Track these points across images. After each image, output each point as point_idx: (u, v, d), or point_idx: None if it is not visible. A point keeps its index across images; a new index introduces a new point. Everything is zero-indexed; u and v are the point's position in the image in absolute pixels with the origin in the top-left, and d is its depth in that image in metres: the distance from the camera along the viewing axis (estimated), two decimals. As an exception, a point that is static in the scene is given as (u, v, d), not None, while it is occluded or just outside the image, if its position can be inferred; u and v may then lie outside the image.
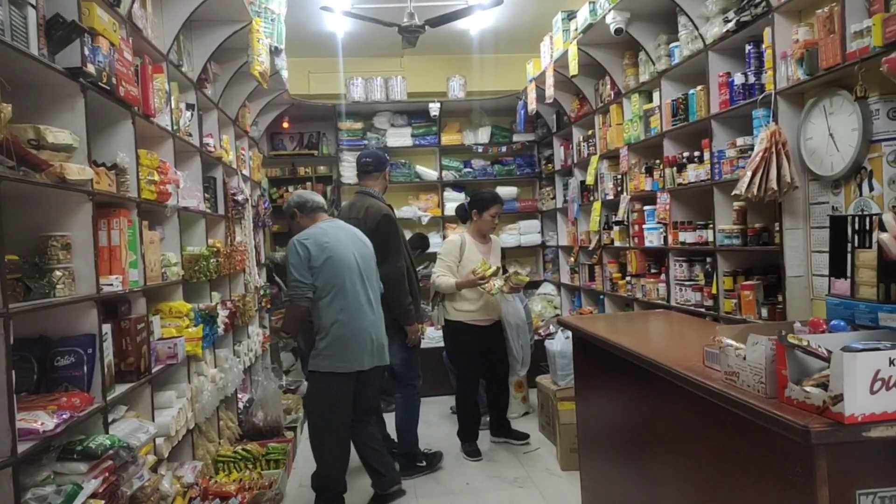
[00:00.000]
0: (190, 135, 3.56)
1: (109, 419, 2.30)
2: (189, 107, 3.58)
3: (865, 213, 2.47)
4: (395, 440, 4.02)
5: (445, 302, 4.19)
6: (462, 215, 4.42)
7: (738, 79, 3.42)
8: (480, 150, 6.91)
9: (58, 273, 2.07)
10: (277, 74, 4.90)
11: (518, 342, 4.16)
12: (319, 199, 3.44)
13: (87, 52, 2.17)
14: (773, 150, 2.97)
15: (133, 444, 2.25)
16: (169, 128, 3.17)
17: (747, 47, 3.36)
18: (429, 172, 6.83)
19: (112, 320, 2.47)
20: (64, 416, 1.89)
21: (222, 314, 3.84)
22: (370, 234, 3.66)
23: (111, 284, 2.34)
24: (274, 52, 4.36)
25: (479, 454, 4.16)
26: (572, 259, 6.03)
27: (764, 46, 3.19)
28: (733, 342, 1.58)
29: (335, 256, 3.17)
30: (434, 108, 6.52)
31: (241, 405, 4.40)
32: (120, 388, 2.40)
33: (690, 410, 1.85)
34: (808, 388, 1.32)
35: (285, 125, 6.64)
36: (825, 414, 1.27)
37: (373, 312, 3.29)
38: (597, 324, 2.66)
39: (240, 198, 4.65)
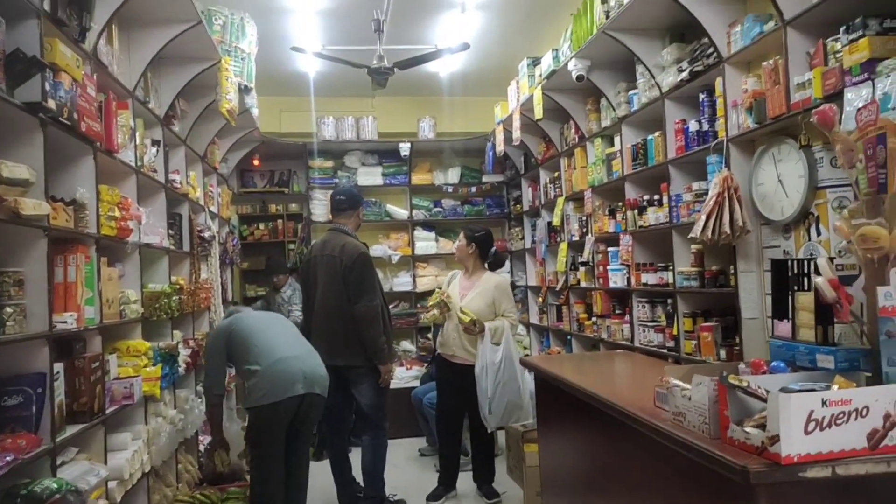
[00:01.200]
0: (155, 171, 3.56)
1: (58, 462, 2.24)
2: (155, 143, 3.58)
3: (813, 257, 2.56)
4: (361, 483, 3.95)
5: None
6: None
7: (693, 126, 3.55)
8: (450, 190, 6.99)
9: (8, 310, 2.03)
10: (247, 112, 4.94)
11: (481, 388, 3.78)
12: None
13: (47, 87, 2.17)
14: (726, 194, 3.08)
15: (82, 488, 2.18)
16: (133, 163, 3.17)
17: (701, 96, 3.50)
18: (399, 211, 6.88)
19: (65, 359, 2.42)
20: (7, 459, 1.83)
21: (184, 353, 3.78)
22: (346, 271, 3.67)
23: (65, 322, 2.30)
24: (244, 90, 4.40)
25: (436, 498, 4.07)
26: (540, 299, 6.08)
27: (716, 95, 3.33)
28: (680, 383, 1.61)
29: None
30: (405, 149, 6.61)
31: (202, 447, 4.29)
32: (71, 430, 2.33)
33: (643, 451, 1.86)
34: (748, 429, 1.36)
35: (256, 163, 6.65)
36: (764, 454, 1.30)
37: None
38: (557, 364, 2.69)
39: (206, 234, 4.63)
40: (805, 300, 1.62)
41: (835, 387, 1.37)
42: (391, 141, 6.64)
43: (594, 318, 4.82)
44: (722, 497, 1.46)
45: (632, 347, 4.17)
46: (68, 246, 2.44)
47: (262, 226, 8.49)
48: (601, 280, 4.71)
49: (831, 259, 1.61)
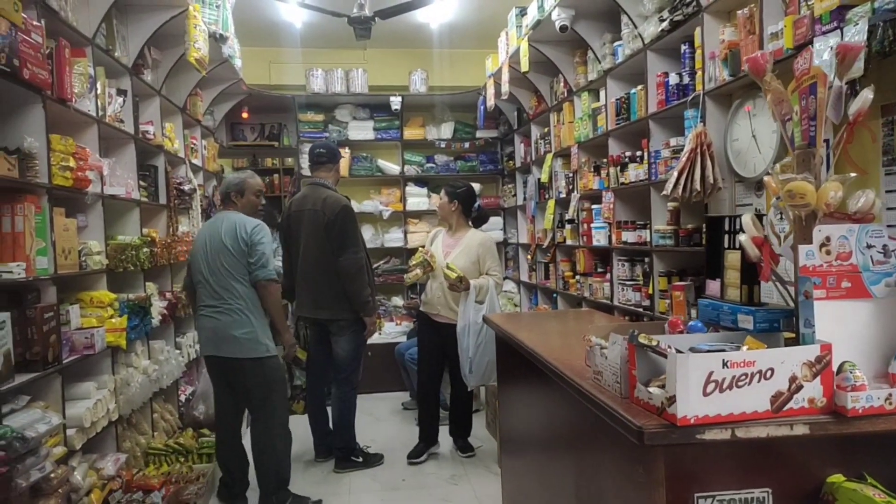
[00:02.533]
0: (122, 121, 3.51)
1: (6, 409, 2.26)
2: (121, 93, 3.52)
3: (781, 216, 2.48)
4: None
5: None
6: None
7: (674, 79, 3.42)
8: (443, 146, 6.87)
9: (-56, 259, 2.03)
10: (227, 62, 4.84)
11: (462, 347, 3.76)
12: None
13: (-20, 32, 2.12)
14: (699, 150, 2.98)
15: (29, 435, 2.21)
16: (93, 113, 3.11)
17: (683, 47, 3.36)
18: (391, 167, 6.80)
19: (16, 308, 2.43)
20: (-61, 406, 1.84)
21: (159, 305, 3.80)
22: (328, 225, 3.67)
23: (10, 272, 2.30)
24: (219, 39, 4.30)
25: (417, 455, 4.03)
26: (529, 257, 6.03)
27: (696, 46, 3.19)
28: (601, 341, 1.57)
29: (192, 251, 3.38)
30: (396, 102, 6.47)
31: (183, 398, 4.36)
32: (21, 378, 2.35)
33: (573, 409, 1.84)
34: (651, 389, 1.32)
35: (245, 115, 6.56)
36: (663, 415, 1.27)
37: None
38: (514, 323, 2.65)
39: (186, 187, 4.60)
40: (733, 258, 1.56)
41: (744, 347, 1.33)
42: (382, 94, 6.51)
43: (578, 277, 4.78)
44: (629, 457, 1.43)
45: (610, 306, 4.14)
46: (15, 196, 2.42)
47: (257, 180, 8.47)
48: (585, 238, 4.65)
49: (760, 217, 1.54)
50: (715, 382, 1.22)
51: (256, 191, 3.43)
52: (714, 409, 1.23)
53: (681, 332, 1.53)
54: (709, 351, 1.31)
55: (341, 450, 3.85)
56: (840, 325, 1.35)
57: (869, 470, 1.29)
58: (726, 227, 1.61)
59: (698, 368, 1.22)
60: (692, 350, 1.32)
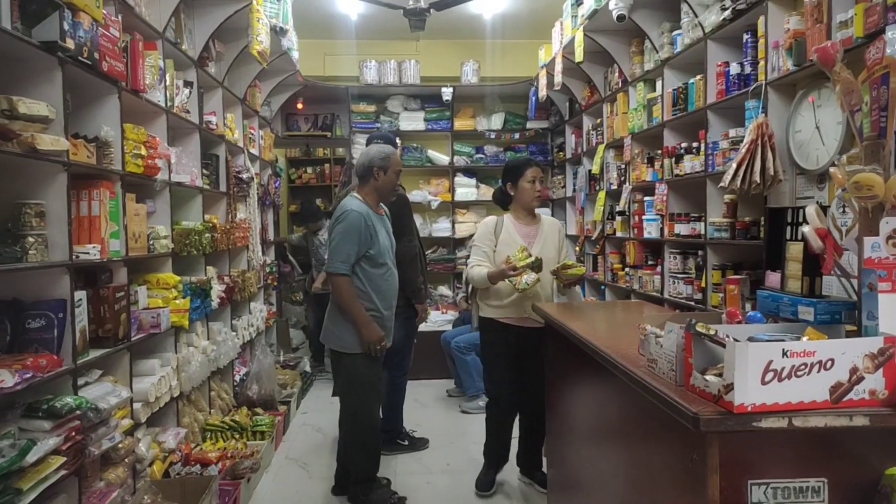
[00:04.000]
0: (188, 112, 3.65)
1: (81, 382, 2.40)
2: (188, 84, 3.66)
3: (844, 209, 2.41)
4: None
5: (478, 296, 3.40)
6: (501, 199, 3.50)
7: (735, 69, 3.35)
8: (493, 137, 6.88)
9: (30, 239, 2.17)
10: (286, 55, 4.97)
11: None
12: None
13: (66, 26, 2.25)
14: (759, 142, 2.92)
15: (102, 407, 2.35)
16: (162, 104, 3.25)
17: (745, 36, 3.29)
18: (440, 157, 6.84)
19: (91, 287, 2.58)
20: (26, 376, 1.98)
21: (218, 288, 3.95)
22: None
23: (87, 253, 2.44)
24: (279, 32, 4.42)
25: (487, 487, 3.40)
26: (577, 248, 6.00)
27: (759, 35, 3.12)
28: (656, 330, 1.58)
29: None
30: (447, 93, 6.51)
31: (237, 378, 4.52)
32: (94, 353, 2.50)
33: (625, 397, 1.85)
34: (707, 377, 1.32)
35: (300, 106, 6.71)
36: (719, 403, 1.27)
37: None
38: (565, 312, 2.66)
39: (244, 176, 4.75)
40: (795, 250, 1.54)
41: (805, 338, 1.32)
42: (434, 85, 6.55)
43: (627, 269, 4.74)
44: (683, 444, 1.44)
45: (661, 299, 4.09)
46: (92, 182, 2.56)
47: (309, 169, 8.69)
48: (636, 230, 4.60)
49: (824, 208, 1.52)
50: (774, 371, 1.22)
51: (399, 169, 3.24)
52: (772, 397, 1.23)
53: (739, 323, 1.53)
54: (768, 340, 1.30)
55: (388, 432, 3.94)
56: (905, 318, 1.32)
57: (931, 465, 1.27)
58: (788, 219, 1.59)
59: (757, 357, 1.22)
60: (751, 339, 1.32)
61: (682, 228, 3.90)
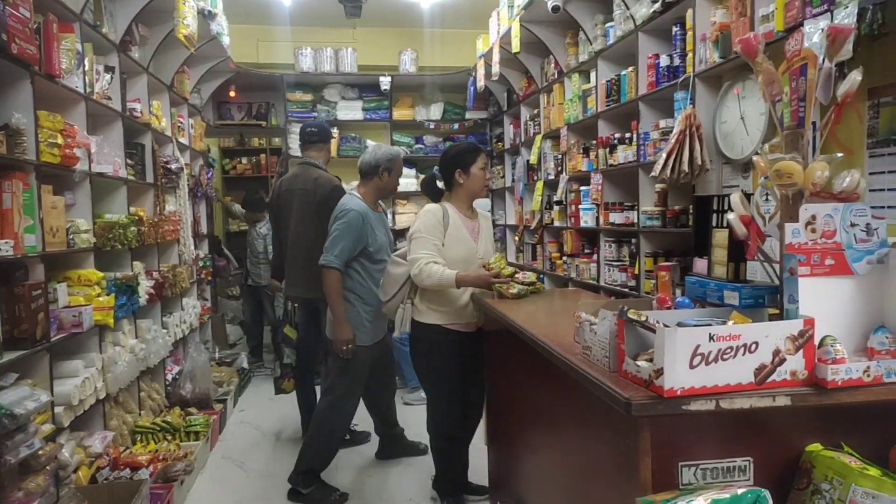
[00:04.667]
0: (109, 98, 3.47)
1: (-5, 386, 2.26)
2: (109, 69, 3.48)
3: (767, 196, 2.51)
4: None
5: (416, 297, 2.92)
6: (434, 189, 3.12)
7: (664, 61, 3.43)
8: (432, 127, 6.86)
9: (-68, 235, 2.01)
10: (216, 40, 4.79)
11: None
12: None
13: (-33, 5, 2.08)
14: (688, 132, 3.00)
15: (18, 412, 2.21)
16: (81, 90, 3.08)
17: (674, 29, 3.37)
18: (380, 147, 6.76)
19: (4, 286, 2.42)
20: (-71, 381, 1.84)
21: (146, 284, 3.79)
22: (320, 205, 3.66)
23: (-1, 249, 2.28)
24: (207, 15, 4.25)
25: None
26: (517, 238, 6.06)
27: (687, 28, 3.20)
28: (590, 317, 1.60)
29: None
30: (385, 82, 6.44)
31: (170, 377, 4.36)
32: (9, 356, 2.35)
33: (562, 385, 1.88)
34: (639, 363, 1.35)
35: (232, 94, 6.50)
36: (650, 387, 1.30)
37: None
38: (504, 302, 2.66)
39: (173, 166, 4.56)
40: (720, 236, 1.59)
41: (730, 322, 1.36)
42: (371, 74, 6.47)
43: (565, 258, 4.82)
44: (616, 429, 1.47)
45: (597, 287, 4.18)
46: (3, 173, 2.39)
47: (244, 160, 8.43)
48: (573, 219, 4.68)
49: (748, 196, 1.57)
50: (701, 356, 1.25)
51: (401, 172, 3.42)
52: (700, 381, 1.26)
53: (668, 308, 1.56)
54: (696, 325, 1.33)
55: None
56: (823, 300, 1.38)
57: (846, 440, 1.33)
58: (714, 207, 1.64)
59: (685, 342, 1.25)
60: (679, 325, 1.35)
61: (616, 217, 3.99)
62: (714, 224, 1.64)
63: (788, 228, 1.40)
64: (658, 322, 1.39)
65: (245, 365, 5.39)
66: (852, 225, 1.40)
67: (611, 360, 1.46)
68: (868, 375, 1.28)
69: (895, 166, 2.19)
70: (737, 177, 3.01)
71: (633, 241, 3.82)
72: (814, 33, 2.28)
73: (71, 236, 2.93)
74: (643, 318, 1.39)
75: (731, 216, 1.50)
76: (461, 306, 2.89)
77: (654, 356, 1.30)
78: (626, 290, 3.83)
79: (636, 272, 3.73)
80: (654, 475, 1.30)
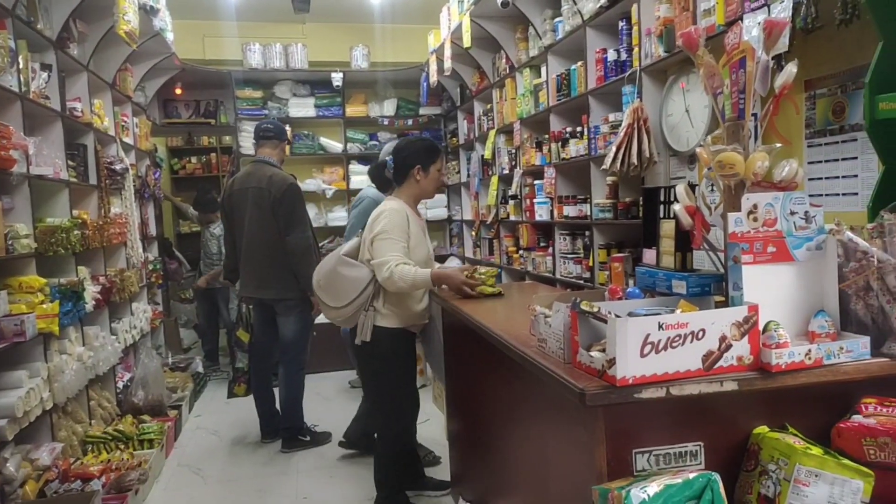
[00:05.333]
0: (47, 98, 3.34)
1: (-69, 401, 2.15)
2: (45, 67, 3.34)
3: (712, 187, 2.58)
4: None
5: (379, 301, 2.73)
6: (382, 178, 2.99)
7: (612, 55, 3.49)
8: (386, 123, 6.81)
9: None
10: (159, 36, 4.66)
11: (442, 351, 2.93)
12: None
13: None
14: (636, 126, 3.06)
15: (-43, 427, 2.12)
16: (16, 89, 2.95)
17: (620, 24, 3.43)
18: (333, 144, 6.70)
19: (-63, 296, 2.30)
20: None
21: (92, 290, 3.66)
22: (275, 203, 3.61)
23: (-71, 257, 2.17)
24: (149, 11, 4.12)
25: None
26: (473, 233, 6.08)
27: (633, 23, 3.26)
28: (545, 310, 1.62)
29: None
30: (337, 79, 6.37)
31: (121, 384, 4.23)
32: (-55, 368, 2.24)
33: (519, 378, 1.90)
34: (592, 353, 1.37)
35: (178, 91, 6.33)
36: (603, 377, 1.32)
37: None
38: (464, 300, 2.66)
39: (118, 167, 4.42)
40: (667, 227, 1.62)
41: (678, 311, 1.39)
42: (323, 70, 6.38)
43: (521, 251, 4.86)
44: (571, 419, 1.49)
45: (553, 279, 4.23)
46: (-69, 176, 2.28)
47: (193, 159, 8.24)
48: (528, 213, 4.72)
49: (693, 187, 1.61)
50: (651, 344, 1.28)
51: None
52: (650, 369, 1.29)
53: (620, 299, 1.59)
54: (645, 315, 1.36)
55: (288, 430, 3.84)
56: (765, 287, 1.43)
57: (790, 421, 1.38)
58: (661, 198, 1.68)
59: (636, 331, 1.27)
60: (630, 315, 1.38)
61: (570, 210, 4.04)
62: (661, 215, 1.67)
63: (731, 218, 1.44)
64: (609, 313, 1.42)
65: (200, 369, 5.27)
66: (792, 213, 1.45)
67: (565, 351, 1.48)
68: (809, 358, 1.33)
69: (831, 155, 2.28)
70: (683, 168, 3.08)
71: (587, 233, 3.88)
72: (752, 27, 2.35)
73: (10, 242, 2.81)
74: (595, 310, 1.42)
75: (676, 207, 1.54)
76: (423, 307, 2.84)
77: (606, 346, 1.32)
78: (582, 281, 3.88)
79: (590, 264, 3.79)
80: (609, 463, 1.33)
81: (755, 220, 1.44)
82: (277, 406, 3.97)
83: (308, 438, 3.87)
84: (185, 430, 4.28)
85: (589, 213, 3.79)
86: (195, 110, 6.64)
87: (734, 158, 1.46)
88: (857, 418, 1.31)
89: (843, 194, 2.28)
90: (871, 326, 1.42)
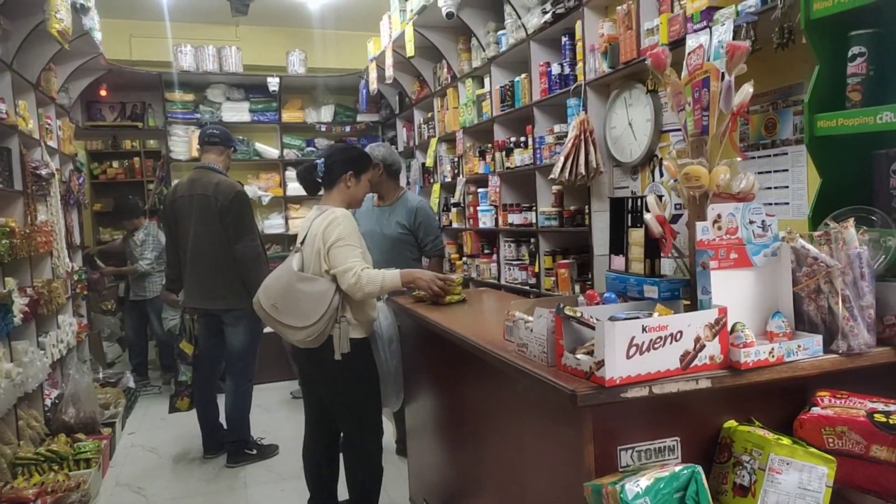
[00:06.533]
0: (-30, 98, 3.12)
1: None
2: (-32, 67, 3.13)
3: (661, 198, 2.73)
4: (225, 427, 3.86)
5: (349, 313, 2.58)
6: (311, 182, 2.76)
7: (556, 69, 3.63)
8: (324, 129, 6.76)
9: None
10: (87, 35, 4.43)
11: (392, 362, 2.76)
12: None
13: None
14: (583, 137, 3.20)
15: None
16: (-63, 89, 2.75)
17: (563, 39, 3.57)
18: (269, 150, 6.58)
19: None
20: None
21: (20, 302, 3.44)
22: (222, 211, 3.51)
23: None
24: (80, 9, 3.93)
25: None
26: (414, 240, 6.11)
27: (577, 39, 3.40)
28: (525, 315, 1.68)
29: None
30: (273, 83, 6.26)
31: (48, 402, 3.99)
32: None
33: (493, 383, 1.94)
34: (579, 356, 1.44)
35: (103, 93, 6.04)
36: (591, 379, 1.39)
37: None
38: (420, 305, 2.70)
39: (43, 172, 4.18)
40: (636, 235, 1.72)
41: (655, 314, 1.48)
42: (258, 74, 6.27)
43: (465, 258, 4.93)
44: (555, 420, 1.55)
45: (498, 285, 4.32)
46: None
47: (115, 163, 7.87)
48: (471, 221, 4.80)
49: (660, 198, 1.72)
50: (636, 346, 1.36)
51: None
52: (634, 369, 1.37)
53: (597, 304, 1.67)
54: (625, 319, 1.44)
55: (235, 443, 3.73)
56: (729, 291, 1.54)
57: (755, 415, 1.50)
58: (628, 207, 1.77)
59: (623, 334, 1.35)
60: (611, 319, 1.45)
61: (515, 218, 4.15)
62: (629, 224, 1.77)
63: (699, 226, 1.54)
64: (591, 317, 1.49)
65: (131, 384, 5.03)
66: (751, 222, 1.58)
67: (549, 355, 1.54)
68: (773, 356, 1.45)
69: (764, 167, 2.47)
70: (626, 178, 3.24)
71: (532, 240, 3.99)
72: (694, 46, 2.52)
73: (-67, 252, 2.61)
74: (579, 315, 1.48)
75: (647, 216, 1.64)
76: (375, 315, 2.71)
77: (594, 349, 1.39)
78: (527, 287, 3.99)
79: (536, 270, 3.91)
80: (597, 461, 1.40)
81: (719, 228, 1.55)
82: (221, 419, 3.86)
83: (255, 452, 3.78)
84: (120, 448, 4.08)
85: (534, 221, 3.90)
86: (121, 112, 6.36)
87: (699, 172, 1.58)
88: (815, 410, 1.44)
89: (776, 203, 2.47)
90: (821, 326, 1.56)
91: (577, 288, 3.50)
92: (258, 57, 6.42)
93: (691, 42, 2.49)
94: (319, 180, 2.70)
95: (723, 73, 1.59)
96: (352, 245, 2.54)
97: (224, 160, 3.76)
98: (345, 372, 2.59)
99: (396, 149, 6.49)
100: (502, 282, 4.32)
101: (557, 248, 3.81)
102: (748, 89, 1.62)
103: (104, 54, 5.20)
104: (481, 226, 4.59)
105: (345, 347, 2.53)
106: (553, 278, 3.71)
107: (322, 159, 2.70)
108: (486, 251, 4.69)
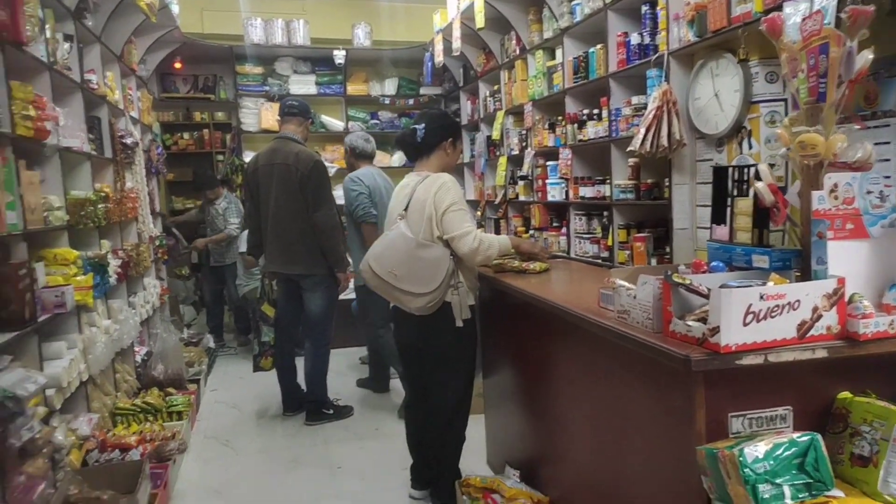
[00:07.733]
0: (69, 69, 3.28)
1: (-9, 371, 2.15)
2: (67, 38, 3.28)
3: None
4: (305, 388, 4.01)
5: (459, 278, 2.55)
6: (414, 145, 2.66)
7: (635, 39, 3.56)
8: (387, 102, 6.81)
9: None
10: (166, 9, 4.58)
11: None
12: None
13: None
14: (665, 108, 3.14)
15: (20, 395, 2.12)
16: (45, 59, 2.90)
17: (643, 8, 3.49)
18: (334, 123, 6.67)
19: (-11, 266, 2.29)
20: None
21: (114, 263, 3.64)
22: (303, 180, 3.62)
23: (-15, 227, 2.15)
24: (164, -17, 4.05)
25: None
26: (479, 213, 6.14)
27: (659, 7, 3.32)
28: (625, 283, 1.69)
29: None
30: (339, 56, 6.33)
31: (138, 359, 4.22)
32: (2, 337, 2.24)
33: (588, 350, 1.97)
34: (690, 322, 1.45)
35: (178, 66, 6.23)
36: (704, 345, 1.40)
37: None
38: (511, 276, 2.71)
39: (129, 141, 4.36)
40: (743, 205, 1.71)
41: (770, 283, 1.48)
42: (325, 47, 6.34)
43: (532, 231, 4.94)
44: (660, 386, 1.57)
45: (568, 258, 4.32)
46: (-18, 146, 2.25)
47: (186, 135, 8.08)
48: (539, 194, 4.79)
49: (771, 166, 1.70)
50: (753, 314, 1.37)
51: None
52: (750, 337, 1.38)
53: (704, 272, 1.67)
54: (739, 287, 1.44)
55: (313, 403, 3.89)
56: (844, 262, 1.52)
57: (870, 387, 1.49)
58: (735, 177, 1.76)
59: (740, 301, 1.36)
60: (723, 286, 1.46)
61: (586, 191, 4.12)
62: (735, 193, 1.76)
63: (815, 195, 1.52)
64: (700, 285, 1.50)
65: (211, 345, 5.27)
66: (868, 192, 1.54)
67: (654, 321, 1.55)
68: (892, 328, 1.43)
69: (873, 138, 2.38)
70: (711, 151, 3.18)
71: (606, 213, 3.96)
72: (793, 15, 2.43)
73: (45, 213, 2.78)
74: (688, 282, 1.49)
75: (759, 185, 1.62)
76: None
77: (707, 315, 1.40)
78: (599, 261, 3.98)
79: (609, 244, 3.89)
80: (708, 426, 1.42)
81: (836, 198, 1.52)
82: (299, 380, 4.01)
83: (332, 412, 3.93)
84: (204, 403, 4.30)
85: (608, 194, 3.87)
86: (193, 85, 6.54)
87: (816, 139, 1.55)
88: (935, 383, 1.42)
89: (876, 177, 2.39)
90: (939, 299, 1.52)
91: (654, 261, 3.47)
92: (325, 30, 6.48)
93: (789, 9, 2.42)
94: (418, 145, 2.66)
95: (844, 39, 1.55)
96: (464, 209, 2.53)
97: (303, 131, 3.86)
98: (462, 337, 2.57)
99: (460, 121, 6.51)
100: (572, 255, 4.31)
101: (632, 221, 3.78)
102: (868, 55, 1.57)
103: (180, 27, 5.35)
104: (550, 199, 4.58)
105: (466, 313, 2.53)
106: (628, 252, 3.69)
107: (422, 125, 2.66)
108: (554, 224, 4.68)
